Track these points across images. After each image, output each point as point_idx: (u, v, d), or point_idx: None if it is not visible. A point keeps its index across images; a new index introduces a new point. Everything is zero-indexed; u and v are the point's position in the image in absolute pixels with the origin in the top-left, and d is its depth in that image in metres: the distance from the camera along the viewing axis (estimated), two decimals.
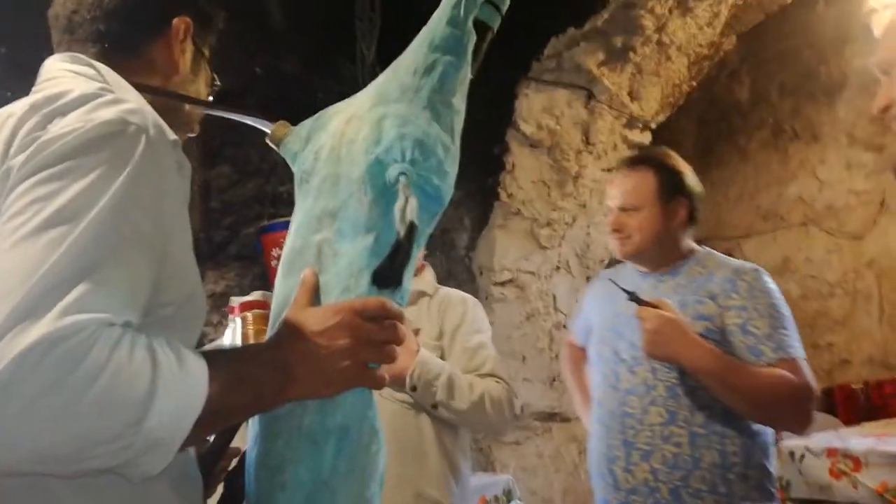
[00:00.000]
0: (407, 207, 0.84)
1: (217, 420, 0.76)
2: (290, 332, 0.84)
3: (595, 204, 3.61)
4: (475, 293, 3.67)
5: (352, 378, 0.85)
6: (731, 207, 4.84)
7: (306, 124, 1.03)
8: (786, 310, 1.63)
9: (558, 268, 3.72)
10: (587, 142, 3.50)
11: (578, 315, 2.05)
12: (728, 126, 4.86)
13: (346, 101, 1.02)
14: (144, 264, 0.74)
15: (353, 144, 0.93)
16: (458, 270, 3.72)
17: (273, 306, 0.97)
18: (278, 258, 1.93)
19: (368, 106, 0.95)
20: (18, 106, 0.80)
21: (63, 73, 0.89)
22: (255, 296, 1.76)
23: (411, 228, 0.84)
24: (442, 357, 1.77)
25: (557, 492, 3.72)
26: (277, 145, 1.04)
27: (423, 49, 0.94)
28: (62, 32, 0.97)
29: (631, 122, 3.55)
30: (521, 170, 3.48)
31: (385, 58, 3.63)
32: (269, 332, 0.94)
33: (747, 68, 4.71)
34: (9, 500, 0.72)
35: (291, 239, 0.98)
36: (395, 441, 1.62)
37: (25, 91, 0.89)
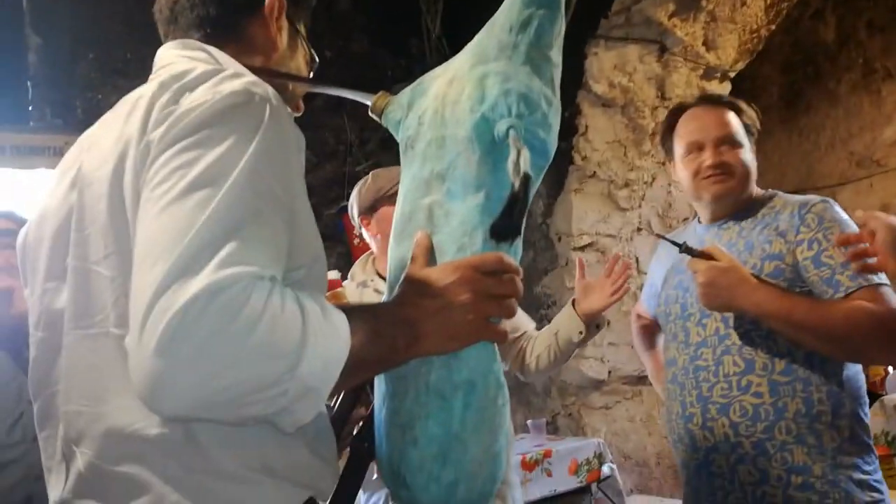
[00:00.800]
0: (520, 160, 0.84)
1: (357, 372, 0.80)
2: (414, 290, 0.87)
3: None
4: (554, 259, 3.66)
5: (475, 332, 0.88)
6: (823, 155, 4.62)
7: (406, 92, 1.03)
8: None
9: (639, 229, 3.65)
10: (663, 97, 3.40)
11: (646, 284, 1.98)
12: (815, 70, 4.62)
13: (444, 65, 1.02)
14: (281, 224, 0.77)
15: (457, 105, 0.93)
16: (535, 238, 3.71)
17: (389, 271, 0.99)
18: (360, 237, 2.00)
19: (468, 66, 0.96)
20: (147, 88, 0.85)
21: (178, 58, 0.93)
22: (331, 275, 1.82)
23: (526, 180, 0.84)
24: None
25: (651, 455, 3.68)
26: (380, 115, 1.05)
27: (517, 5, 0.95)
28: (167, 24, 1.02)
29: (708, 73, 3.42)
30: (595, 131, 3.42)
31: (450, 30, 3.64)
32: (387, 296, 0.95)
33: (832, 6, 4.46)
34: (160, 450, 0.77)
35: (401, 205, 0.99)
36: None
37: (115, 94, 0.95)
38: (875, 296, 1.43)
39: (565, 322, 1.89)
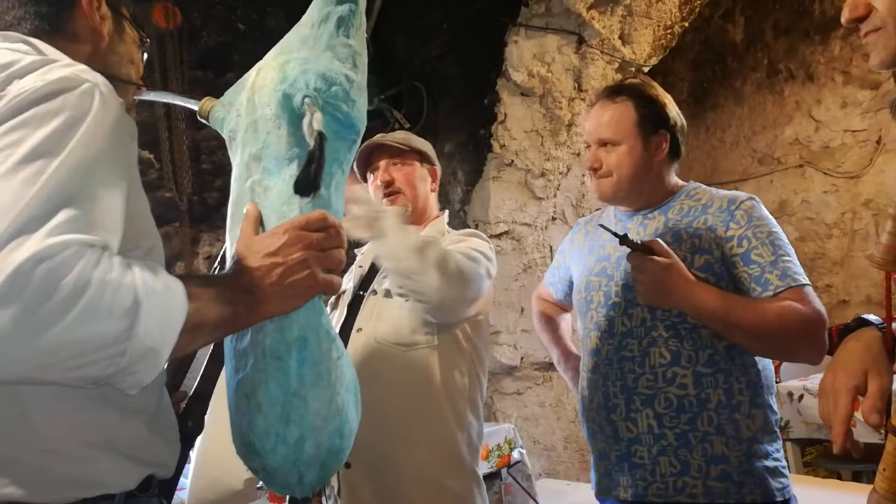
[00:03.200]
0: (313, 121, 0.95)
1: (197, 335, 0.85)
2: (248, 257, 0.93)
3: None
4: None
5: (313, 286, 0.94)
6: (727, 151, 4.80)
7: (228, 92, 1.11)
8: (785, 238, 1.55)
9: (554, 218, 3.69)
10: (579, 88, 3.44)
11: (552, 267, 1.96)
12: (723, 68, 4.80)
13: (258, 63, 1.11)
14: (114, 201, 0.83)
15: (263, 89, 1.03)
16: (453, 224, 3.70)
17: (228, 257, 1.05)
18: None
19: (273, 56, 1.07)
20: None
21: (1, 50, 0.93)
22: None
23: (321, 138, 0.94)
24: None
25: (559, 439, 3.75)
26: (206, 118, 1.12)
27: (318, 4, 1.07)
28: None
29: (623, 67, 3.48)
30: (513, 120, 3.43)
31: (370, 9, 3.56)
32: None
33: (741, 7, 4.63)
34: None
35: (231, 195, 1.06)
36: (398, 386, 1.63)
37: None
38: (801, 296, 1.46)
39: None
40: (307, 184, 0.96)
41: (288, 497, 1.10)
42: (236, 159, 1.06)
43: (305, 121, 0.96)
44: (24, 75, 0.83)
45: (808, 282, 1.50)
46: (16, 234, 0.71)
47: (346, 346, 1.58)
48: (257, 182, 1.01)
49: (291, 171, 0.99)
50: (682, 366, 1.53)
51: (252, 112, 1.04)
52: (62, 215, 0.74)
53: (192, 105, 1.15)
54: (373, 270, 1.82)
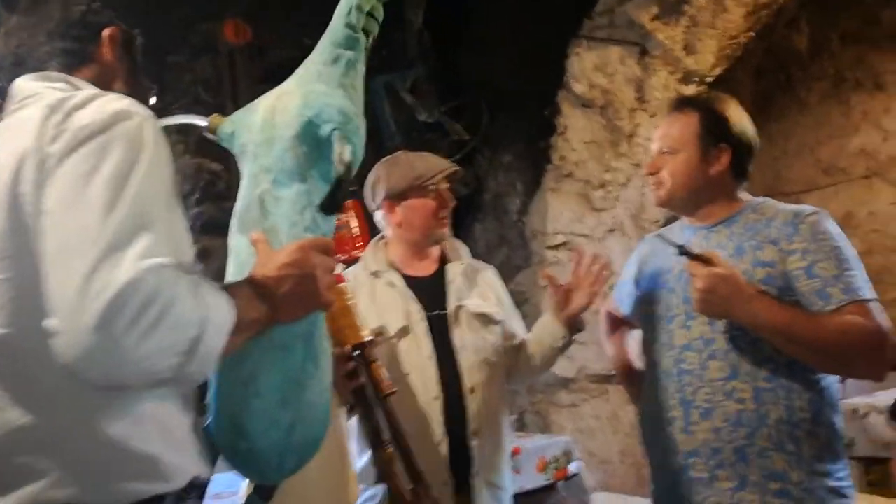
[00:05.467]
0: (345, 151, 1.08)
1: (239, 335, 0.95)
2: (267, 269, 1.02)
3: None
4: (528, 257, 3.67)
5: (319, 299, 1.05)
6: (791, 161, 4.69)
7: (238, 112, 1.23)
8: (851, 252, 1.52)
9: (612, 230, 3.67)
10: (641, 99, 3.42)
11: (619, 282, 1.96)
12: (787, 77, 4.69)
13: (270, 92, 1.22)
14: (179, 218, 0.96)
15: (286, 112, 1.15)
16: (511, 235, 3.71)
17: (230, 259, 1.16)
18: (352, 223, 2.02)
19: (295, 86, 1.18)
20: (32, 111, 0.94)
21: (43, 88, 1.02)
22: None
23: (349, 166, 1.08)
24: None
25: (615, 453, 3.72)
26: (215, 132, 1.23)
27: (329, 47, 1.19)
28: (11, 71, 1.09)
29: (686, 77, 3.44)
30: (574, 131, 3.43)
31: (431, 23, 3.60)
32: (231, 279, 1.11)
33: (807, 16, 4.51)
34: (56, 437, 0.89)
35: (239, 202, 1.17)
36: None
37: None
38: (864, 311, 1.44)
39: (547, 331, 1.88)
40: (333, 204, 1.10)
41: (253, 487, 1.17)
42: (246, 170, 1.18)
43: (336, 150, 1.08)
44: (83, 106, 0.92)
45: (874, 296, 1.48)
46: (107, 257, 0.81)
47: (444, 363, 1.77)
48: (267, 192, 1.13)
49: (303, 187, 1.12)
50: (742, 379, 1.52)
51: (269, 130, 1.15)
52: (144, 240, 0.84)
53: (201, 121, 1.25)
54: (438, 292, 1.86)
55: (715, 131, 1.64)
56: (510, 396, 1.99)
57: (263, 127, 1.16)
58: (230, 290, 0.97)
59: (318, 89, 1.15)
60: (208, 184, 3.17)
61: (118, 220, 0.84)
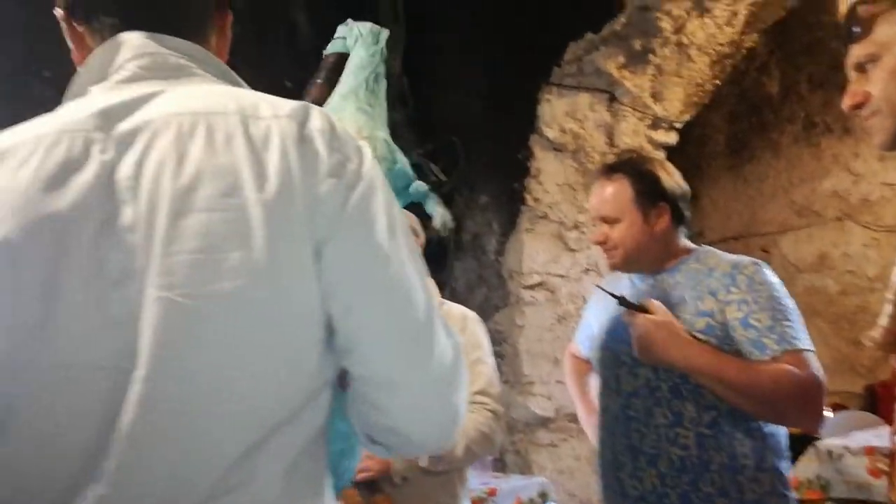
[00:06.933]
0: (446, 214, 1.09)
1: None
2: None
3: None
4: (505, 297, 3.71)
5: None
6: (766, 203, 4.78)
7: None
8: (789, 301, 1.57)
9: (588, 270, 3.73)
10: (611, 144, 3.51)
11: (581, 325, 2.02)
12: (759, 121, 4.81)
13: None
14: None
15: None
16: (488, 274, 3.77)
17: None
18: None
19: (364, 123, 1.09)
20: (270, 123, 0.76)
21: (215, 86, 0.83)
22: None
23: (450, 228, 1.07)
24: None
25: (595, 493, 3.71)
26: None
27: (366, 65, 1.12)
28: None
29: (655, 123, 3.55)
30: (546, 174, 3.50)
31: (408, 68, 3.71)
32: None
33: (776, 61, 4.67)
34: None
35: None
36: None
37: None
38: (799, 360, 1.48)
39: None
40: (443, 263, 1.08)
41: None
42: None
43: (439, 212, 1.09)
44: (337, 135, 0.78)
45: (810, 347, 1.52)
46: (439, 324, 0.80)
47: None
48: None
49: None
50: (685, 426, 1.56)
51: None
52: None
53: None
54: None
55: (649, 193, 1.68)
56: None
57: None
58: None
59: (385, 135, 1.09)
60: None
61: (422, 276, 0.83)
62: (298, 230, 0.73)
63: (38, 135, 0.75)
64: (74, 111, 0.77)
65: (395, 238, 0.78)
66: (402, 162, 1.09)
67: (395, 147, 1.10)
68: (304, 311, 0.73)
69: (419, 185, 1.08)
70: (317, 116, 0.78)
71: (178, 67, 0.81)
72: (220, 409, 0.70)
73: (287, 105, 0.78)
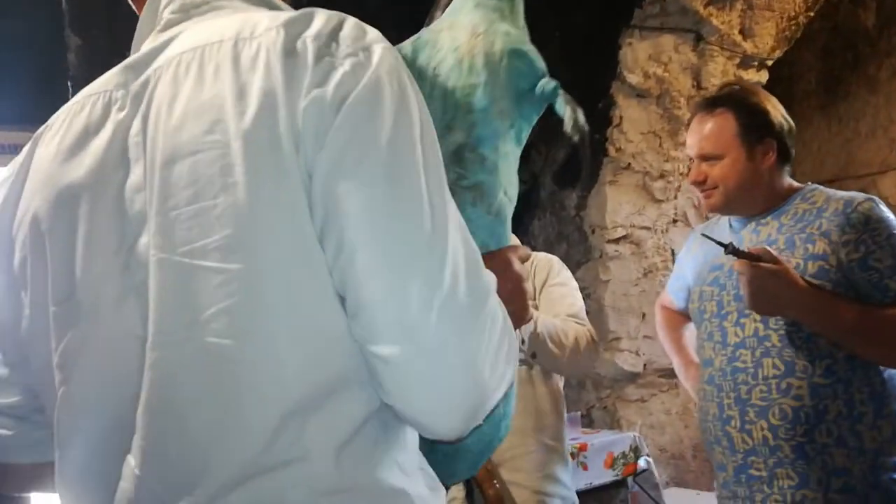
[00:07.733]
0: (578, 115, 0.88)
1: None
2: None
3: None
4: (588, 252, 3.64)
5: (526, 314, 0.86)
6: (863, 143, 4.51)
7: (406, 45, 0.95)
8: None
9: (675, 221, 3.61)
10: (699, 86, 3.37)
11: (673, 276, 1.95)
12: (854, 55, 4.52)
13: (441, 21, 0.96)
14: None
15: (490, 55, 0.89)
16: (568, 230, 3.70)
17: None
18: None
19: (485, 25, 0.91)
20: (259, 30, 0.65)
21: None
22: None
23: (585, 134, 0.88)
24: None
25: (687, 447, 3.65)
26: None
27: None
28: None
29: (745, 62, 3.37)
30: (630, 122, 3.39)
31: None
32: None
33: None
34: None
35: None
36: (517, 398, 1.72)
37: None
38: None
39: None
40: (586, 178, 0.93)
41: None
42: None
43: (569, 114, 0.87)
44: (335, 38, 0.64)
45: None
46: (462, 273, 0.64)
47: None
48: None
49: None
50: (797, 376, 1.48)
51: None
52: (470, 244, 0.68)
53: None
54: None
55: (756, 127, 1.59)
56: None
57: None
58: None
59: (501, 28, 0.90)
60: None
61: (442, 219, 0.65)
62: (283, 162, 0.60)
63: (72, 102, 0.73)
64: (110, 72, 0.74)
65: (399, 157, 0.62)
66: (530, 54, 0.89)
67: (521, 38, 0.91)
68: (302, 259, 0.61)
69: (545, 84, 0.88)
70: (319, 21, 0.65)
71: (203, 3, 0.74)
72: (238, 377, 0.61)
73: (288, 15, 0.66)
